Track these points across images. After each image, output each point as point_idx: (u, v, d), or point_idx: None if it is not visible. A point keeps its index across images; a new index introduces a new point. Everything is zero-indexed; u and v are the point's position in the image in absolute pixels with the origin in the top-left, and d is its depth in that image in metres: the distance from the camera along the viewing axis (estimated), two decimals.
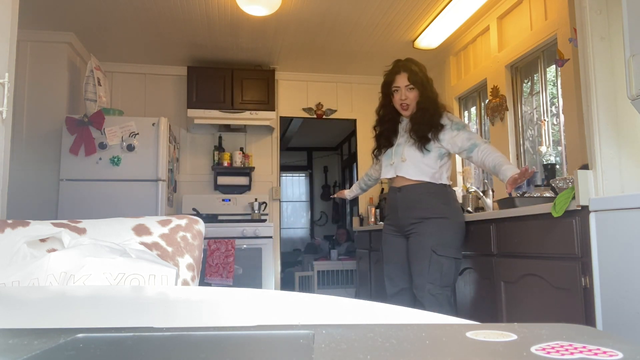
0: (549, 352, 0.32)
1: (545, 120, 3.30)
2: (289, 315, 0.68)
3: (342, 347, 0.35)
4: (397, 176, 2.50)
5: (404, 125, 2.57)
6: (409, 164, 2.47)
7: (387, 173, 2.56)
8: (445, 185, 2.48)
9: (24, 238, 1.19)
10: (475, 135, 2.48)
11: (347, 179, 8.29)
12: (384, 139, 2.61)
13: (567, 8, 2.92)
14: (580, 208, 1.90)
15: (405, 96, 2.49)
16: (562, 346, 0.33)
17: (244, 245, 4.17)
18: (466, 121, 4.34)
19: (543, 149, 3.26)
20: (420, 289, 2.35)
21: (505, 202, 2.73)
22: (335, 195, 3.43)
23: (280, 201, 5.09)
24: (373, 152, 2.71)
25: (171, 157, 4.16)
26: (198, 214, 4.48)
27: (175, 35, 4.12)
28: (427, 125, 2.45)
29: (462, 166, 4.29)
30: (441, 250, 2.34)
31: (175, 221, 1.44)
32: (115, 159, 3.75)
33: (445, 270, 2.34)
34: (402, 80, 2.50)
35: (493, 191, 3.48)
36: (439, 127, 2.46)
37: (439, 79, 4.49)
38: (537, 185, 2.91)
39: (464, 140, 2.42)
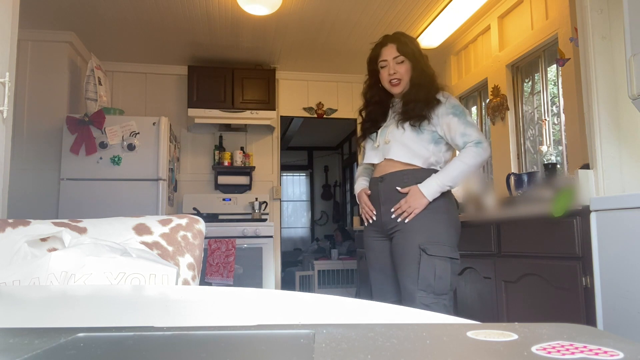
0: (549, 352, 0.32)
1: (546, 119, 3.30)
2: (290, 315, 0.68)
3: (342, 347, 0.35)
4: (384, 159, 2.07)
5: (396, 108, 2.13)
6: (397, 144, 2.02)
7: (372, 157, 2.13)
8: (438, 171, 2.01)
9: (24, 237, 1.19)
10: (471, 131, 1.98)
11: (347, 178, 8.29)
12: (371, 122, 2.17)
13: (568, 7, 2.91)
14: (581, 207, 1.90)
15: (394, 70, 2.09)
16: (562, 346, 0.33)
17: (245, 245, 4.17)
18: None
19: (544, 148, 3.26)
20: (410, 300, 1.87)
21: (506, 202, 2.73)
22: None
23: (280, 201, 5.09)
24: (358, 139, 2.30)
25: (172, 157, 4.16)
26: (198, 214, 4.48)
27: (176, 34, 4.12)
28: (422, 102, 2.01)
29: None
30: (432, 249, 1.88)
31: (176, 220, 1.44)
32: (116, 159, 3.75)
33: (439, 274, 1.87)
34: (389, 52, 2.12)
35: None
36: (435, 103, 2.02)
37: (439, 78, 4.48)
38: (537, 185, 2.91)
39: (456, 135, 1.98)
